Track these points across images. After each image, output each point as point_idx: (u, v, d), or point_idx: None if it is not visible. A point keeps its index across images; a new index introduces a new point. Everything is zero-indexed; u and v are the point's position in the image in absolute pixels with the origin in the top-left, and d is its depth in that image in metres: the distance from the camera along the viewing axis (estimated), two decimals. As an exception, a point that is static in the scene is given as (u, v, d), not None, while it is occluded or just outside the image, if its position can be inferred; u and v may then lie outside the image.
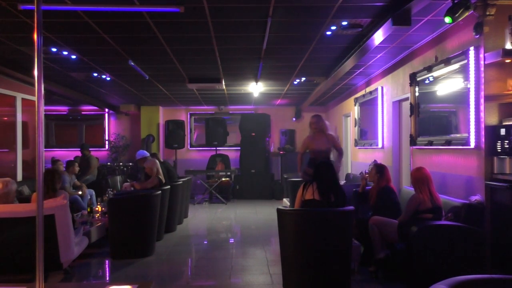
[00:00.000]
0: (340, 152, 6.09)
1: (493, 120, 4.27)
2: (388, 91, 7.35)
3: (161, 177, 6.75)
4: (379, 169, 5.20)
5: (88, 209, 6.51)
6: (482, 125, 4.31)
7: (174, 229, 7.32)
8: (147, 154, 7.47)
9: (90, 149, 10.20)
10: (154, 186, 6.53)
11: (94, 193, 8.39)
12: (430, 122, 5.79)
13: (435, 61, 5.33)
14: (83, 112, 12.96)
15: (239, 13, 4.69)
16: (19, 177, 7.93)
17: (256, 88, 9.32)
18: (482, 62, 4.31)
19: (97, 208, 6.50)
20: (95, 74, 7.76)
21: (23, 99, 8.02)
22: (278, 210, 4.16)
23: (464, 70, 4.61)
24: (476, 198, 4.29)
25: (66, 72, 7.56)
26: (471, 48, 4.44)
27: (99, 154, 12.38)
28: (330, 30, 5.23)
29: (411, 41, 5.77)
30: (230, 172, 11.44)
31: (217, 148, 12.35)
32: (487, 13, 4.08)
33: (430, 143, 5.46)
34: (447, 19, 3.94)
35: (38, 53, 2.13)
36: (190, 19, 4.82)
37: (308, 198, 4.22)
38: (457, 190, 4.84)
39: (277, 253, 4.61)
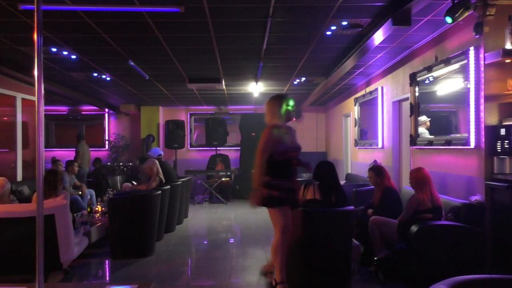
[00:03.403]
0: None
1: (493, 120, 4.27)
2: (388, 91, 7.35)
3: (161, 176, 6.75)
4: (377, 171, 5.19)
5: (88, 209, 6.51)
6: (482, 125, 4.32)
7: (174, 229, 7.32)
8: (161, 152, 7.61)
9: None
10: (157, 186, 6.55)
11: (94, 193, 8.40)
12: (430, 122, 5.79)
13: (435, 61, 5.33)
14: (83, 112, 12.97)
15: (239, 13, 4.69)
16: (19, 177, 7.93)
17: (256, 88, 9.32)
18: (482, 62, 4.32)
19: (97, 208, 6.50)
20: (95, 74, 7.76)
21: (23, 99, 8.02)
22: (278, 210, 4.15)
23: (464, 70, 4.61)
24: (476, 198, 4.29)
25: (66, 72, 7.56)
26: (471, 48, 4.44)
27: (99, 154, 12.39)
28: (330, 30, 5.23)
29: (411, 41, 5.77)
30: (230, 172, 11.44)
31: (217, 148, 12.35)
32: (487, 13, 4.08)
33: (430, 143, 5.46)
34: (447, 19, 3.95)
35: (38, 53, 2.13)
36: (190, 19, 4.82)
37: (309, 198, 4.22)
38: (457, 190, 4.84)
39: (277, 253, 4.60)
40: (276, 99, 4.02)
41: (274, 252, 3.84)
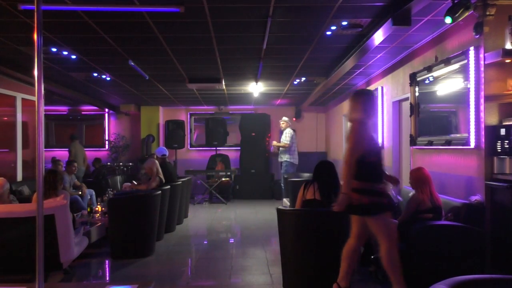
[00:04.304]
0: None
1: (493, 120, 4.27)
2: (388, 91, 7.35)
3: (161, 176, 6.75)
4: None
5: (88, 209, 6.51)
6: (482, 125, 4.31)
7: (174, 229, 7.33)
8: (166, 152, 7.62)
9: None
10: (157, 186, 6.56)
11: (94, 193, 8.40)
12: (430, 122, 5.79)
13: (435, 61, 5.33)
14: (83, 112, 12.97)
15: (239, 13, 4.69)
16: (19, 177, 7.93)
17: (256, 88, 9.32)
18: (482, 62, 4.31)
19: (97, 208, 6.50)
20: (95, 74, 7.76)
21: (23, 99, 8.02)
22: (278, 210, 4.17)
23: (464, 70, 4.61)
24: (476, 198, 4.29)
25: (66, 72, 7.56)
26: (471, 48, 4.44)
27: (99, 154, 12.39)
28: (330, 30, 5.23)
29: (411, 41, 5.77)
30: (230, 172, 11.44)
31: (217, 148, 12.36)
32: (487, 13, 4.08)
33: (430, 143, 5.46)
34: (447, 19, 3.94)
35: (38, 53, 2.13)
36: (190, 19, 4.82)
37: (309, 198, 4.22)
38: (457, 190, 4.84)
39: (277, 253, 4.61)
40: (367, 94, 3.73)
41: (391, 264, 3.47)
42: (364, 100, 3.63)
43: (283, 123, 10.58)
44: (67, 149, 11.19)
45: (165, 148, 7.94)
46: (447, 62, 4.94)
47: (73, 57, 6.44)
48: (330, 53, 6.47)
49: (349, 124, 3.69)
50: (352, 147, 3.43)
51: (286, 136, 10.21)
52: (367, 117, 3.60)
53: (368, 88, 8.45)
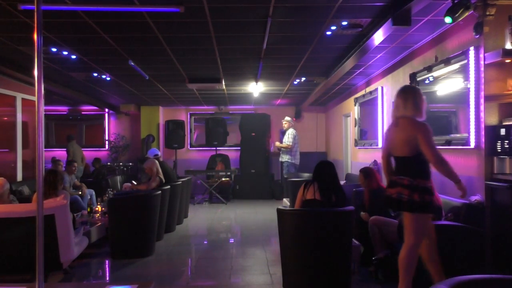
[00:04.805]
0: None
1: (493, 120, 4.27)
2: (388, 91, 7.35)
3: (161, 176, 6.75)
4: (365, 173, 5.22)
5: (88, 209, 6.51)
6: (482, 125, 4.31)
7: (174, 229, 7.33)
8: (158, 153, 7.67)
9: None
10: (157, 186, 6.56)
11: (94, 193, 8.40)
12: (430, 122, 5.76)
13: (435, 61, 5.33)
14: (83, 112, 12.98)
15: (239, 13, 4.69)
16: (19, 177, 7.93)
17: (256, 88, 9.32)
18: (482, 62, 4.31)
19: (97, 208, 6.50)
20: (95, 74, 7.76)
21: (23, 99, 8.02)
22: (278, 210, 4.16)
23: (464, 70, 4.61)
24: (476, 198, 4.29)
25: (66, 72, 7.56)
26: (471, 48, 4.44)
27: (99, 154, 12.39)
28: (330, 30, 5.23)
29: (411, 41, 5.77)
30: (230, 172, 11.45)
31: (217, 148, 12.36)
32: (487, 13, 4.08)
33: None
34: (447, 19, 3.95)
35: (38, 53, 2.13)
36: (190, 19, 4.82)
37: (309, 198, 4.22)
38: (457, 190, 4.83)
39: (277, 253, 4.61)
40: (417, 90, 3.64)
41: (407, 263, 3.49)
42: (415, 96, 3.57)
43: (285, 123, 10.57)
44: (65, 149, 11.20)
45: (156, 149, 7.99)
46: (447, 62, 4.94)
47: (73, 57, 6.44)
48: (330, 53, 6.48)
49: (397, 121, 3.60)
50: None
51: (289, 137, 10.21)
52: (419, 114, 3.53)
53: (368, 88, 8.45)
